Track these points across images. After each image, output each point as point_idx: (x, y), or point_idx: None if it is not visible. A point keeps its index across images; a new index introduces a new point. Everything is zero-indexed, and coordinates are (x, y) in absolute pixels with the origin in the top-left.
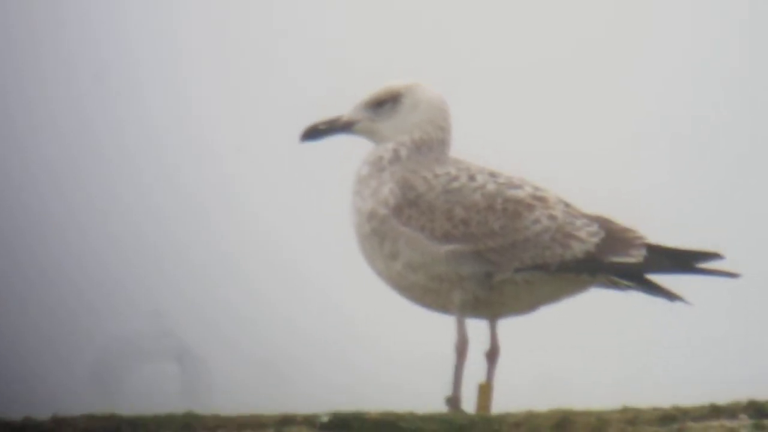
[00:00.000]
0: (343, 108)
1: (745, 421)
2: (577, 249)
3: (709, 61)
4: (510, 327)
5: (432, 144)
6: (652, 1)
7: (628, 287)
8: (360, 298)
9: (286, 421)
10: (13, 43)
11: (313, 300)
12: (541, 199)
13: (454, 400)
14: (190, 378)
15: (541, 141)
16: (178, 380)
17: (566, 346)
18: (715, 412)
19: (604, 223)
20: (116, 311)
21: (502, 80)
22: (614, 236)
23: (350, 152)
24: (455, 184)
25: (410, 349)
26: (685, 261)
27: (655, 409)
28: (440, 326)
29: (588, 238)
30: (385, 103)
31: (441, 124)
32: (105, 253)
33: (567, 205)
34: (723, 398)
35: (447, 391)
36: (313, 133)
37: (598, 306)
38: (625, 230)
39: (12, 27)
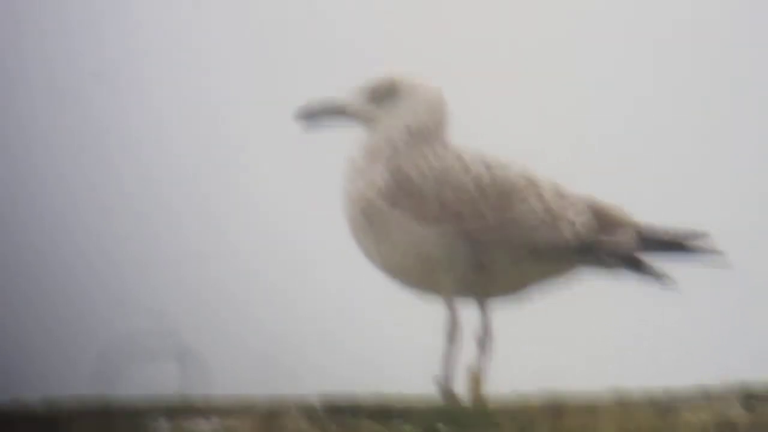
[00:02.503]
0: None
1: (735, 404)
2: (567, 232)
3: (699, 47)
4: (502, 313)
5: (428, 133)
6: None
7: (617, 269)
8: (357, 284)
9: (279, 405)
10: (17, 41)
11: (324, 299)
12: (531, 182)
13: (444, 385)
14: (191, 377)
15: (533, 126)
16: (178, 379)
17: (558, 332)
18: (705, 395)
19: (594, 206)
20: (118, 308)
21: (494, 67)
22: (603, 218)
23: (352, 145)
24: (446, 168)
25: (405, 335)
26: (674, 242)
27: (646, 394)
28: (435, 312)
29: (579, 222)
30: (382, 93)
31: (438, 116)
32: (107, 249)
33: (557, 188)
34: (714, 383)
35: (439, 375)
36: (309, 115)
37: (589, 292)
38: (614, 212)
39: (16, 24)
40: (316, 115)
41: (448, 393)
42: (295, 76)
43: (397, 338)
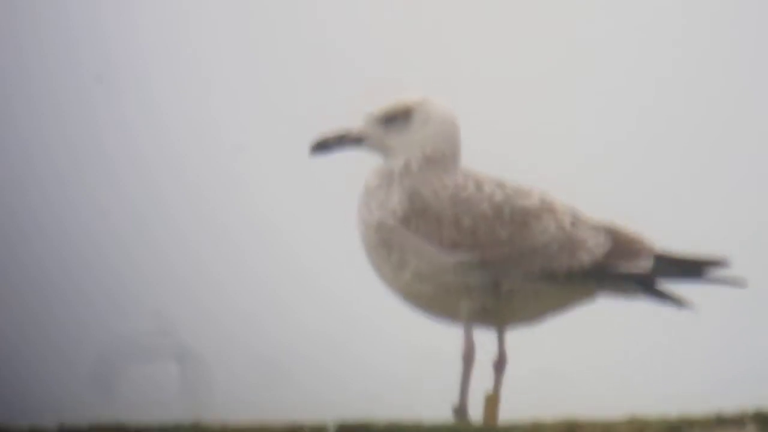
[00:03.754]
0: (350, 116)
1: (751, 430)
2: (585, 258)
3: (706, 62)
4: (517, 336)
5: (444, 158)
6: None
7: (635, 295)
8: (368, 297)
9: (294, 430)
10: (17, 41)
11: (321, 299)
12: (549, 208)
13: (461, 410)
14: (191, 378)
15: (546, 151)
16: (179, 380)
17: (573, 355)
18: (721, 421)
19: (611, 232)
20: (119, 310)
21: (507, 91)
22: (621, 245)
23: (355, 150)
24: (463, 194)
25: (418, 350)
26: (692, 269)
27: (661, 419)
28: (447, 328)
29: (595, 247)
30: (396, 118)
31: (452, 140)
32: (108, 251)
33: (575, 214)
34: (730, 408)
35: (454, 397)
36: (323, 146)
37: (604, 315)
38: (633, 239)
39: (17, 24)
40: (330, 146)
41: (463, 416)
42: (297, 81)
43: (414, 353)
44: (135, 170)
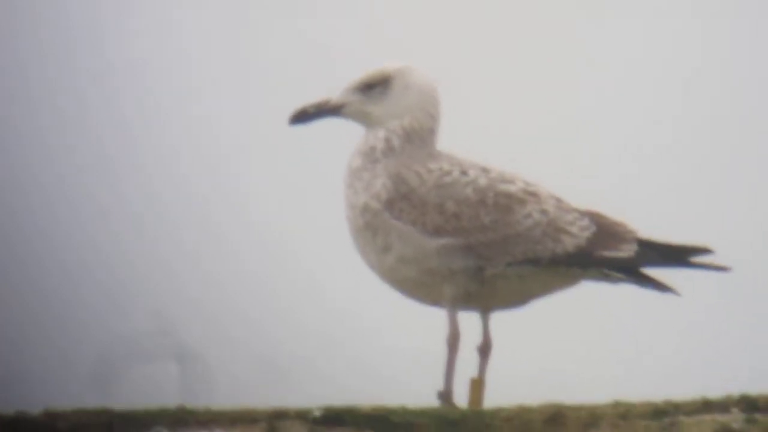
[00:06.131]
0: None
1: (737, 415)
2: (569, 243)
3: (697, 56)
4: (503, 321)
5: (423, 132)
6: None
7: (619, 280)
8: (368, 297)
9: (279, 415)
10: (17, 41)
11: (320, 299)
12: (533, 194)
13: (446, 395)
14: (191, 378)
15: (531, 138)
16: (178, 380)
17: (558, 340)
18: (707, 406)
19: (595, 218)
20: (119, 310)
21: (493, 76)
22: (605, 230)
23: (351, 145)
24: (447, 179)
25: (405, 342)
26: (676, 255)
27: (647, 404)
28: (435, 319)
29: (579, 232)
30: (375, 86)
31: (431, 110)
32: (107, 251)
33: (558, 200)
34: (715, 392)
35: (439, 384)
36: (302, 116)
37: (590, 300)
38: (616, 224)
39: (17, 24)
40: (309, 116)
41: (448, 401)
42: (295, 81)
43: (400, 345)
44: (134, 170)
